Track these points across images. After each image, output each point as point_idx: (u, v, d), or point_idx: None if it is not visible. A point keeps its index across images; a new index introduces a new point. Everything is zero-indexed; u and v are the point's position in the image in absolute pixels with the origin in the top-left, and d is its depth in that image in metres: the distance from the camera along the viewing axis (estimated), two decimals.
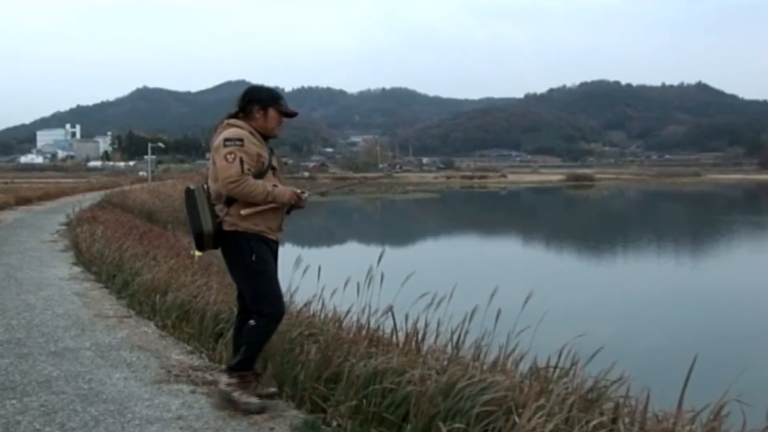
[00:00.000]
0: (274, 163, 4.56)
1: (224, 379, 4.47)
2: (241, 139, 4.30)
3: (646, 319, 15.63)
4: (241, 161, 4.25)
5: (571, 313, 13.74)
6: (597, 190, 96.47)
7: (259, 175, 4.36)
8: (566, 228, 43.41)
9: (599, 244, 32.93)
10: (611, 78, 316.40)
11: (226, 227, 4.37)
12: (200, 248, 4.52)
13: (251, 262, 4.35)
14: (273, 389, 4.68)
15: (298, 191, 4.55)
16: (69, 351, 5.88)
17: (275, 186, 4.41)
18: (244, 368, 4.42)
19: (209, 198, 4.42)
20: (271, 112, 4.51)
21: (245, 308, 4.56)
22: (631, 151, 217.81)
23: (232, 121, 4.47)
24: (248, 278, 4.44)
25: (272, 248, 4.48)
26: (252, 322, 4.40)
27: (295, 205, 4.55)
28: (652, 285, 21.04)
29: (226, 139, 4.30)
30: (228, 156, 4.25)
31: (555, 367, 4.38)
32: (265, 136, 4.53)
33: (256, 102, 4.50)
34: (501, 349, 4.71)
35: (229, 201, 4.36)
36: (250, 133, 4.40)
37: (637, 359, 9.71)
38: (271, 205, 4.39)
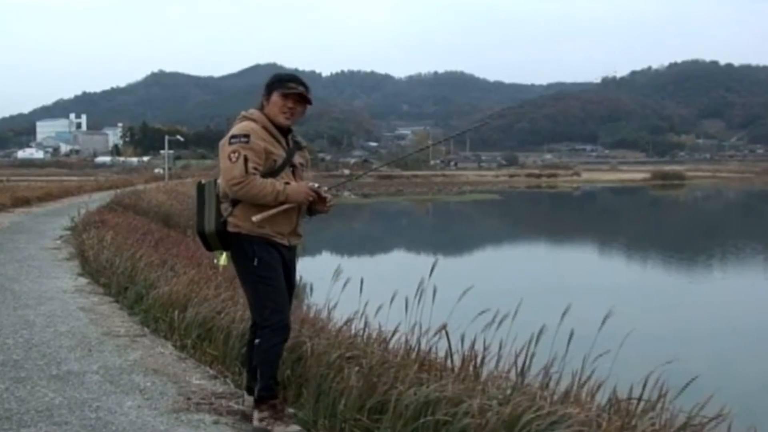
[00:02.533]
0: (298, 159, 4.67)
1: (256, 414, 4.58)
2: (247, 135, 4.43)
3: (750, 345, 15.31)
4: (246, 160, 4.37)
5: (659, 336, 13.57)
6: (688, 191, 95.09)
7: (271, 174, 4.48)
8: (652, 235, 42.87)
9: (692, 256, 32.41)
10: (707, 57, 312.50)
11: (229, 228, 4.55)
12: (208, 248, 4.74)
13: (253, 266, 4.50)
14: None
15: (315, 186, 4.64)
16: (73, 375, 5.95)
17: (287, 184, 4.50)
18: (269, 395, 4.55)
19: (218, 195, 4.59)
20: (274, 97, 4.61)
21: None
22: (732, 144, 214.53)
23: (248, 112, 4.62)
24: (249, 284, 4.61)
25: (282, 254, 4.61)
26: (257, 340, 4.60)
27: (315, 206, 4.64)
28: (758, 305, 20.63)
29: (232, 136, 4.47)
30: (231, 155, 4.41)
31: (639, 399, 4.34)
32: (281, 127, 4.62)
33: (265, 88, 4.66)
34: (574, 377, 4.68)
35: (235, 200, 4.52)
36: (263, 127, 4.52)
37: (740, 392, 9.54)
38: (286, 206, 4.49)
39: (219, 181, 4.61)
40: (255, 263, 4.49)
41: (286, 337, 4.67)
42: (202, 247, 4.86)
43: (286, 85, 4.61)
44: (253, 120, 4.55)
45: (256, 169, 4.40)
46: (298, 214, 4.65)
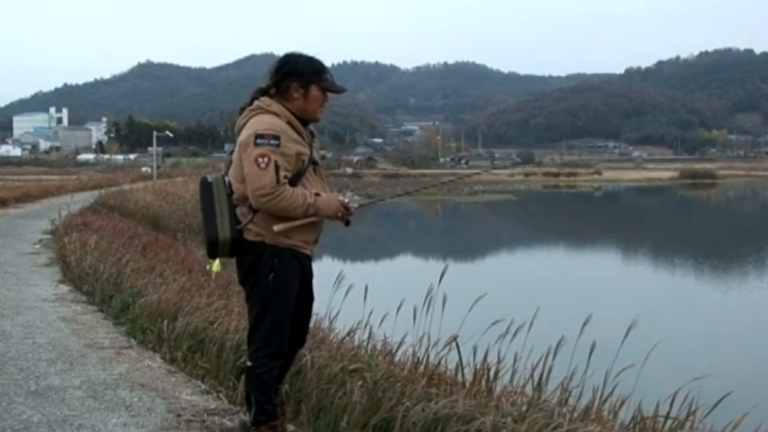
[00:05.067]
0: (316, 155, 4.50)
1: None
2: (277, 137, 4.21)
3: None
4: (276, 167, 4.17)
5: (688, 349, 13.56)
6: (720, 191, 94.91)
7: (298, 175, 4.32)
8: (681, 239, 42.75)
9: (725, 262, 32.34)
10: (741, 45, 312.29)
11: (249, 236, 4.36)
12: (212, 256, 4.56)
13: (266, 281, 4.34)
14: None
15: (345, 201, 4.48)
16: (54, 390, 5.95)
17: (317, 195, 4.35)
18: (266, 419, 4.48)
19: (230, 196, 4.39)
20: (314, 91, 4.42)
21: None
22: None
23: (265, 102, 4.39)
24: (255, 299, 4.46)
25: (304, 266, 4.48)
26: (249, 362, 4.50)
27: (342, 217, 4.48)
28: None
29: (258, 136, 4.21)
30: (260, 159, 4.16)
31: (666, 417, 4.34)
32: (305, 121, 4.46)
33: (294, 77, 4.40)
34: (595, 392, 4.69)
35: None
36: (288, 123, 4.33)
37: None
38: (313, 219, 4.36)
39: (231, 181, 4.40)
40: (270, 278, 4.32)
41: (280, 363, 4.54)
42: (206, 254, 4.62)
43: (324, 77, 4.46)
44: (275, 114, 4.34)
45: (285, 176, 4.22)
46: (323, 221, 4.51)
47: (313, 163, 4.46)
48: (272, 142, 4.19)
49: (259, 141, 4.19)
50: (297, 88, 4.38)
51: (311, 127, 4.57)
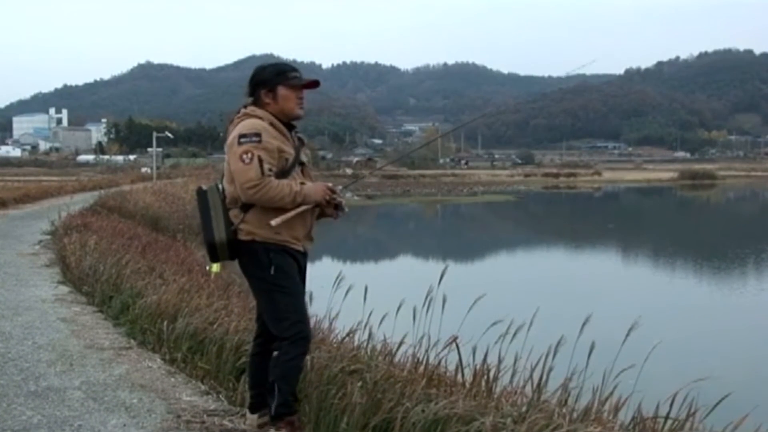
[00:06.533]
0: (303, 157, 4.69)
1: None
2: (258, 134, 4.44)
3: None
4: (260, 161, 4.38)
5: (689, 350, 13.56)
6: (720, 191, 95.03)
7: (283, 174, 4.50)
8: (681, 240, 42.78)
9: (725, 263, 32.31)
10: (741, 46, 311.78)
11: (241, 236, 4.54)
12: (214, 259, 4.71)
13: (269, 275, 4.51)
14: None
15: (331, 185, 4.70)
16: (53, 391, 5.95)
17: (303, 184, 4.55)
18: (287, 411, 4.56)
19: (224, 201, 4.59)
20: (282, 91, 4.63)
21: (264, 331, 4.75)
22: None
23: (249, 110, 4.62)
24: (266, 294, 4.62)
25: (299, 261, 4.65)
26: (275, 352, 4.57)
27: (325, 209, 4.68)
28: None
29: (241, 135, 4.45)
30: (244, 156, 4.39)
31: (666, 418, 4.33)
32: (290, 123, 4.67)
33: (261, 85, 4.66)
34: (595, 393, 4.68)
35: (246, 206, 4.51)
36: (270, 123, 4.54)
37: None
38: (303, 208, 4.51)
39: (222, 185, 4.64)
40: (272, 272, 4.49)
41: (306, 350, 4.69)
42: (209, 258, 4.80)
43: (290, 76, 4.65)
44: (258, 117, 4.54)
45: (270, 170, 4.41)
46: (313, 215, 4.69)
47: (301, 164, 4.66)
48: (254, 139, 4.43)
49: (242, 140, 4.44)
50: (266, 94, 4.64)
51: (302, 135, 4.80)
